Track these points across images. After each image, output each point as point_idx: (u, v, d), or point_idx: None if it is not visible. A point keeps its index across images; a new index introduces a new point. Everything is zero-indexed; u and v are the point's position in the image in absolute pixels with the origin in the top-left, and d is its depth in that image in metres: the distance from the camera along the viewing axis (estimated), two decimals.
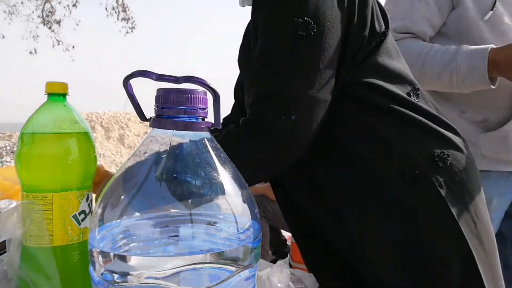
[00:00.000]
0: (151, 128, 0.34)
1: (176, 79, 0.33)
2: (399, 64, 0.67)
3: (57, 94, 0.51)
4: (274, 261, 0.72)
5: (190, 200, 0.32)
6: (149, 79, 0.33)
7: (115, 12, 9.64)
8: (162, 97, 0.33)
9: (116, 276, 0.29)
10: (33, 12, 9.45)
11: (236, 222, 0.33)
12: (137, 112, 0.38)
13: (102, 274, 0.30)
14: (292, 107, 0.57)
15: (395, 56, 0.67)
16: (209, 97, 0.34)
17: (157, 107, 0.33)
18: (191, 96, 0.33)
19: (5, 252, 0.57)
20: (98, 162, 0.56)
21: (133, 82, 0.35)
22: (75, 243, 0.50)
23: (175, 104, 0.32)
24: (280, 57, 0.58)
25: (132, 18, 9.78)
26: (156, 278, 0.29)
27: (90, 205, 0.52)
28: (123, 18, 9.73)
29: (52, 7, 9.46)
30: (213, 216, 0.33)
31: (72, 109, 0.52)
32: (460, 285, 0.61)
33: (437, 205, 0.61)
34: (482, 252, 0.62)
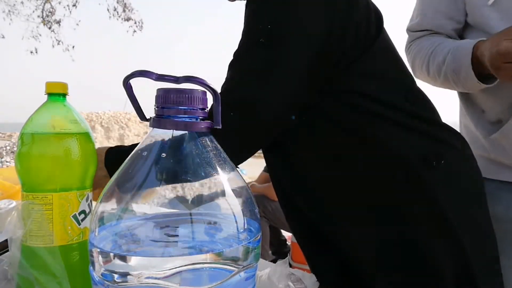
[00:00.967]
0: (151, 128, 0.34)
1: (176, 79, 0.33)
2: (393, 67, 0.68)
3: (57, 94, 0.51)
4: (274, 261, 0.72)
5: (190, 200, 0.32)
6: (149, 79, 0.33)
7: (117, 12, 9.64)
8: (162, 97, 0.33)
9: (116, 276, 0.29)
10: (33, 12, 9.45)
11: (236, 222, 0.33)
12: (137, 112, 0.38)
13: (102, 274, 0.30)
14: (241, 107, 0.58)
15: (388, 60, 0.67)
16: (209, 97, 0.34)
17: (157, 107, 0.33)
18: (191, 96, 0.33)
19: (5, 252, 0.57)
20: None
21: (133, 82, 0.35)
22: (75, 243, 0.50)
23: (175, 104, 0.32)
24: (241, 61, 0.62)
25: (137, 18, 9.78)
26: (156, 278, 0.29)
27: (90, 205, 0.52)
28: (127, 18, 9.72)
29: (52, 7, 9.46)
30: (213, 216, 0.33)
31: (72, 109, 0.52)
32: (454, 282, 0.61)
33: (430, 203, 0.61)
34: (478, 250, 0.63)
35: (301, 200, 0.72)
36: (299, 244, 0.79)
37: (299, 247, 0.80)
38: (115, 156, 0.60)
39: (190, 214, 0.32)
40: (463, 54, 0.81)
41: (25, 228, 0.48)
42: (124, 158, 0.34)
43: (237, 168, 0.36)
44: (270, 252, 2.63)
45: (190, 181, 0.32)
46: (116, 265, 0.30)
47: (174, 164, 0.33)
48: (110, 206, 0.32)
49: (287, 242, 2.74)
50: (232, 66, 0.62)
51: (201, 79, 0.34)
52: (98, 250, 0.31)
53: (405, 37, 1.03)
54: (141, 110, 0.37)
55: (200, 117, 0.34)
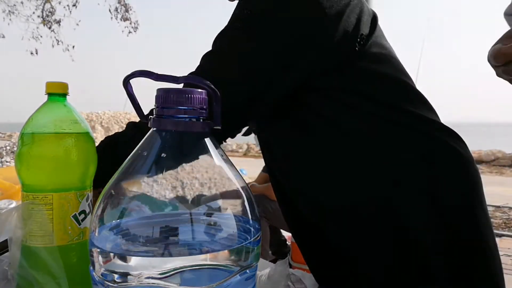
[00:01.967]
0: (151, 128, 0.34)
1: (176, 79, 0.33)
2: (389, 68, 0.68)
3: (57, 94, 0.51)
4: (274, 261, 0.72)
5: (190, 200, 0.32)
6: (149, 79, 0.33)
7: (117, 12, 9.63)
8: (162, 97, 0.33)
9: (116, 276, 0.29)
10: (33, 12, 9.44)
11: (236, 222, 0.33)
12: (137, 112, 0.38)
13: (102, 274, 0.30)
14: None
15: (383, 60, 0.68)
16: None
17: (157, 107, 0.33)
18: (191, 96, 0.33)
19: (5, 252, 0.57)
20: None
21: (133, 82, 0.35)
22: (75, 243, 0.50)
23: (175, 104, 0.32)
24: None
25: (134, 19, 9.78)
26: (156, 278, 0.29)
27: (90, 205, 0.52)
28: (125, 18, 9.71)
29: (52, 7, 9.45)
30: (213, 216, 0.33)
31: (72, 109, 0.52)
32: (452, 278, 0.61)
33: (428, 201, 0.61)
34: (479, 247, 0.63)
35: (300, 201, 0.72)
36: (297, 243, 0.79)
37: (298, 246, 0.80)
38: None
39: (190, 214, 0.32)
40: None
41: (25, 228, 0.48)
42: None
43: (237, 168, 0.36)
44: (270, 252, 2.63)
45: (190, 180, 0.32)
46: (116, 265, 0.30)
47: (174, 164, 0.33)
48: (110, 206, 0.32)
49: (287, 242, 2.74)
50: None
51: (201, 79, 0.34)
52: (98, 250, 0.31)
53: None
54: (141, 110, 0.37)
55: (200, 117, 0.34)
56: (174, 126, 0.33)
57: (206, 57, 0.65)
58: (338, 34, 0.62)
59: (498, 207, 4.85)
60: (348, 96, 0.64)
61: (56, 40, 9.67)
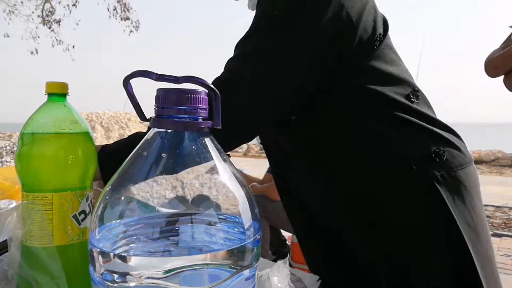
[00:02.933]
0: (151, 128, 0.34)
1: (176, 79, 0.33)
2: (398, 68, 0.69)
3: (57, 94, 0.51)
4: (274, 261, 0.72)
5: (190, 200, 0.32)
6: (149, 79, 0.33)
7: (117, 12, 9.63)
8: (162, 97, 0.33)
9: (116, 276, 0.29)
10: (33, 12, 9.43)
11: (236, 222, 0.33)
12: (137, 112, 0.38)
13: (102, 274, 0.30)
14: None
15: (393, 61, 0.69)
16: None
17: (157, 107, 0.33)
18: (191, 96, 0.32)
19: (5, 252, 0.57)
20: None
21: (133, 82, 0.35)
22: (75, 243, 0.50)
23: (175, 104, 0.32)
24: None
25: (134, 18, 9.77)
26: (156, 278, 0.29)
27: (90, 205, 0.52)
28: (126, 18, 9.71)
29: (52, 7, 9.44)
30: (213, 216, 0.33)
31: (72, 109, 0.52)
32: (455, 274, 0.61)
33: (433, 198, 0.62)
34: (478, 244, 0.63)
35: (309, 202, 0.73)
36: (298, 241, 0.80)
37: (299, 246, 0.80)
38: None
39: (190, 214, 0.32)
40: None
41: (25, 228, 0.48)
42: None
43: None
44: (270, 252, 2.62)
45: (190, 181, 0.32)
46: (116, 265, 0.30)
47: (174, 164, 0.33)
48: (110, 206, 0.32)
49: (287, 242, 2.74)
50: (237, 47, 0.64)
51: (201, 79, 0.34)
52: (98, 250, 0.30)
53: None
54: (141, 110, 0.37)
55: (200, 117, 0.34)
56: (174, 126, 0.33)
57: (234, 62, 0.64)
58: (360, 33, 0.63)
59: (498, 207, 4.84)
60: (365, 96, 0.65)
61: (56, 40, 9.67)
